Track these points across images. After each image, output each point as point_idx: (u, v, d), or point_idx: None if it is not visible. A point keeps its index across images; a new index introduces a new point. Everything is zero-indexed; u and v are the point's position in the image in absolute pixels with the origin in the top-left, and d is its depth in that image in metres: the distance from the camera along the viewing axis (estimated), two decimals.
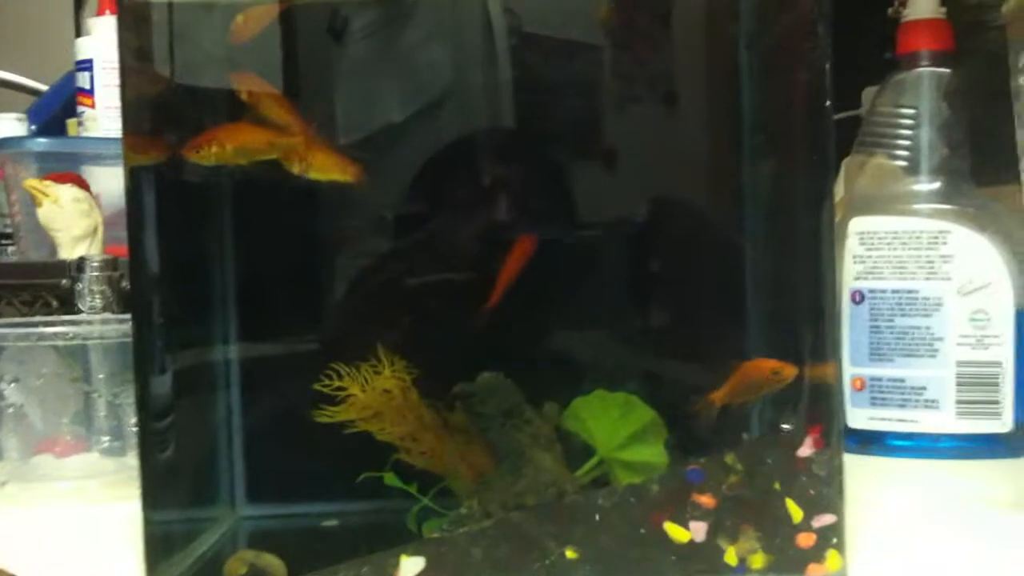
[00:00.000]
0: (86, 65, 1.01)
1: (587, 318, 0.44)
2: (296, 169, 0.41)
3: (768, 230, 0.44)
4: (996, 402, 0.60)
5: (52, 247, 0.84)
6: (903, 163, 0.63)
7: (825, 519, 0.39)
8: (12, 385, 0.59)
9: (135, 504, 0.39)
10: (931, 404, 0.61)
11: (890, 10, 0.68)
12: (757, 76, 0.43)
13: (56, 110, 1.18)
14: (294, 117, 0.42)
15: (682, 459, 0.41)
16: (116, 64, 0.40)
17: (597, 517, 0.39)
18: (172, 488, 0.42)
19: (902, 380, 0.62)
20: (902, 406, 0.62)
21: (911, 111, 0.63)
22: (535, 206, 0.44)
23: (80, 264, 0.74)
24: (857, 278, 0.63)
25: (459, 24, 0.44)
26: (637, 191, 0.44)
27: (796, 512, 0.39)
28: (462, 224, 0.44)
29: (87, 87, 1.01)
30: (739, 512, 0.39)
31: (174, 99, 0.42)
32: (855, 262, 0.63)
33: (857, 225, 0.63)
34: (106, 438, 0.60)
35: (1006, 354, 0.60)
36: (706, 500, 0.39)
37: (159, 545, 0.40)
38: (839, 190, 0.68)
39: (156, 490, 0.40)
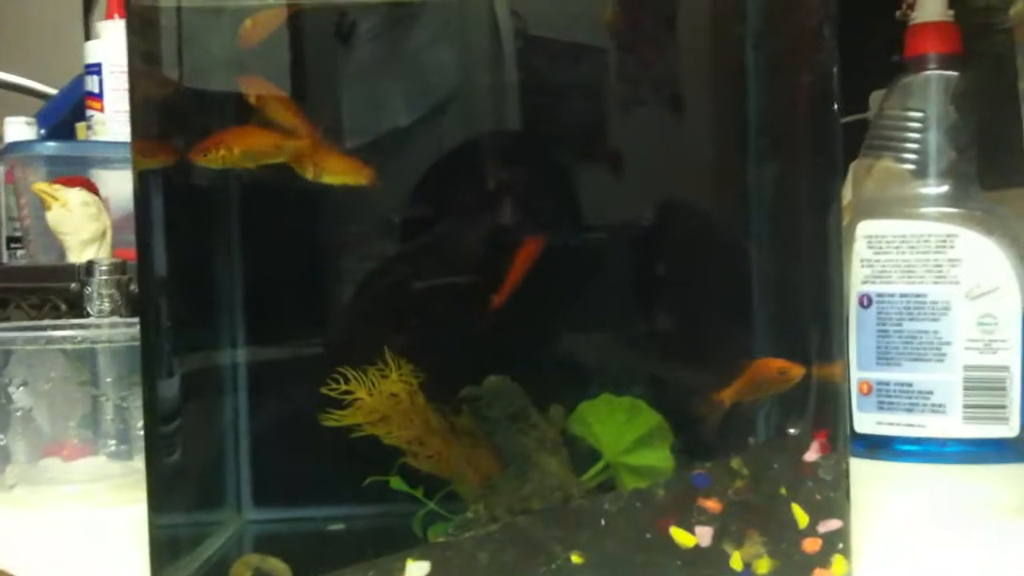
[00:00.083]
0: (95, 69, 1.02)
1: (593, 322, 0.44)
2: (309, 174, 0.41)
3: (776, 234, 0.44)
4: (1004, 407, 0.60)
5: (61, 251, 0.84)
6: (911, 166, 0.63)
7: (831, 524, 0.39)
8: (20, 388, 0.59)
9: (142, 507, 0.40)
10: (938, 408, 0.61)
11: (898, 13, 0.68)
12: (764, 79, 0.43)
13: (65, 114, 1.18)
14: (302, 120, 0.42)
15: (688, 463, 0.40)
16: (125, 68, 0.40)
17: (603, 521, 0.39)
18: (179, 492, 0.42)
19: (910, 384, 0.61)
20: (909, 410, 0.61)
21: (919, 114, 0.63)
22: (542, 209, 0.44)
23: (89, 268, 0.74)
24: (865, 282, 0.63)
25: (466, 27, 0.44)
26: (644, 194, 0.44)
27: (802, 517, 0.39)
28: (469, 227, 0.44)
29: (96, 91, 1.01)
30: (745, 517, 0.39)
31: (183, 103, 0.42)
32: (863, 266, 0.63)
33: (865, 229, 0.63)
34: (113, 442, 0.60)
35: (1014, 358, 0.60)
36: (712, 505, 0.39)
37: (165, 548, 0.40)
38: (847, 193, 0.67)
39: (163, 493, 0.40)
